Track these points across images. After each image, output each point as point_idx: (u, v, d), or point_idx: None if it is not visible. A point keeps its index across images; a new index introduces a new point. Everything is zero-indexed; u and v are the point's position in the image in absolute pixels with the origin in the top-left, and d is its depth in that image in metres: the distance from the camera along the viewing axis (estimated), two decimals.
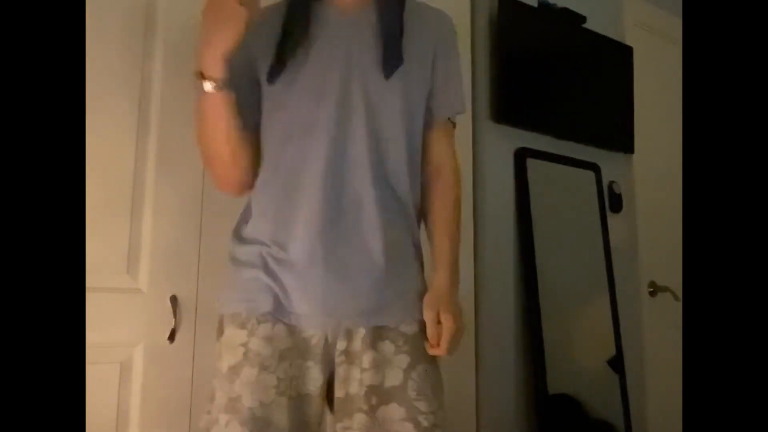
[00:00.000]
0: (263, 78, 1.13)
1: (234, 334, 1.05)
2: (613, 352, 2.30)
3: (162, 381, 1.39)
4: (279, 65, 1.10)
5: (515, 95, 2.17)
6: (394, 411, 1.02)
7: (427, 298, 1.09)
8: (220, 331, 1.10)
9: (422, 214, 1.20)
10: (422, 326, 1.08)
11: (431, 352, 1.07)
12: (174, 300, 1.42)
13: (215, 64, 1.01)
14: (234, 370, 1.02)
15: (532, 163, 2.19)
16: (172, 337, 1.41)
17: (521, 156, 2.18)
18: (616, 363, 2.30)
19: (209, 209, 1.50)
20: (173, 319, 1.41)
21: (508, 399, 2.03)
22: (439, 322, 1.06)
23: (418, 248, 1.17)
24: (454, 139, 1.24)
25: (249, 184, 1.15)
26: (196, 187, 1.49)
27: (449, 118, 1.23)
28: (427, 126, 1.19)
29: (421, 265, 1.18)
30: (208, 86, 1.02)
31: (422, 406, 1.03)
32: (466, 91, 2.05)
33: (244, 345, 1.03)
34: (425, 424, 1.02)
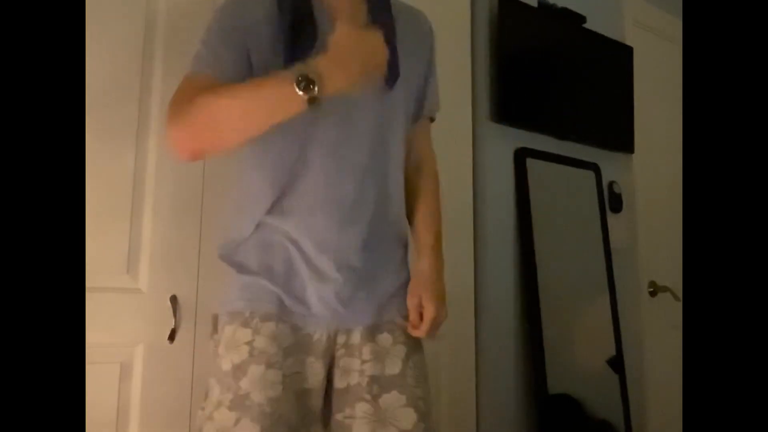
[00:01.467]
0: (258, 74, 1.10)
1: (237, 333, 1.06)
2: (613, 352, 2.30)
3: (162, 381, 1.39)
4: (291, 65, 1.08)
5: (515, 95, 2.17)
6: (396, 398, 1.07)
7: (410, 286, 1.17)
8: (216, 330, 1.11)
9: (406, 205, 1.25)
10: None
11: (412, 333, 1.14)
12: (174, 300, 1.42)
13: (334, 89, 0.93)
14: (239, 368, 1.03)
15: (532, 163, 2.19)
16: (172, 337, 1.41)
17: (521, 156, 2.18)
18: (616, 363, 2.30)
19: (209, 209, 1.50)
20: (173, 319, 1.41)
21: (508, 399, 2.03)
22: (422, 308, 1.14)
23: (407, 245, 1.21)
24: (430, 134, 1.30)
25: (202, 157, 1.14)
26: (196, 187, 1.49)
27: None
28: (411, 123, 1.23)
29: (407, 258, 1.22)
30: (309, 97, 0.92)
31: (420, 392, 1.10)
32: (466, 91, 2.05)
33: (249, 343, 1.05)
34: (424, 408, 1.09)
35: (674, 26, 2.88)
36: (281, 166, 1.10)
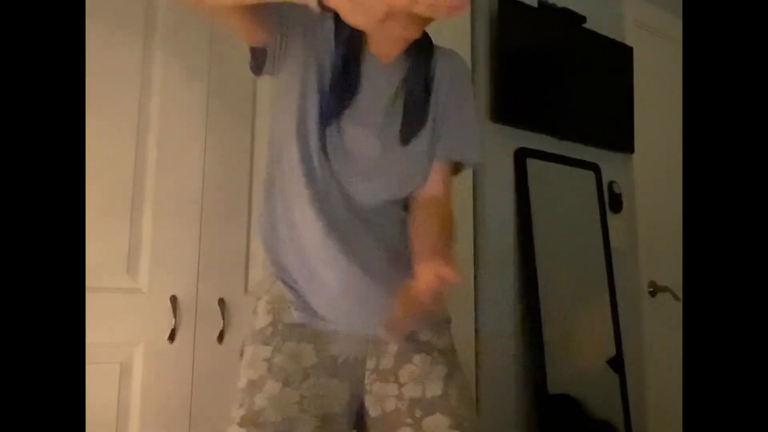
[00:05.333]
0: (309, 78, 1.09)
1: (257, 350, 1.05)
2: (613, 352, 2.30)
3: (162, 381, 1.39)
4: (337, 112, 1.07)
5: (515, 95, 2.17)
6: (440, 420, 1.01)
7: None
8: (242, 354, 1.10)
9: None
10: (452, 340, 1.12)
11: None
12: (174, 300, 1.42)
13: None
14: (255, 384, 1.01)
15: (532, 163, 2.19)
16: (172, 337, 1.41)
17: (521, 156, 2.18)
18: (616, 363, 2.30)
19: (209, 209, 1.50)
20: (173, 319, 1.41)
21: (508, 399, 2.03)
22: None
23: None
24: (449, 179, 1.17)
25: None
26: (196, 187, 1.49)
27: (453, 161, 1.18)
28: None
29: None
30: None
31: (465, 413, 1.04)
32: None
33: (268, 360, 1.03)
34: (470, 430, 1.03)
35: (674, 26, 2.88)
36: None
